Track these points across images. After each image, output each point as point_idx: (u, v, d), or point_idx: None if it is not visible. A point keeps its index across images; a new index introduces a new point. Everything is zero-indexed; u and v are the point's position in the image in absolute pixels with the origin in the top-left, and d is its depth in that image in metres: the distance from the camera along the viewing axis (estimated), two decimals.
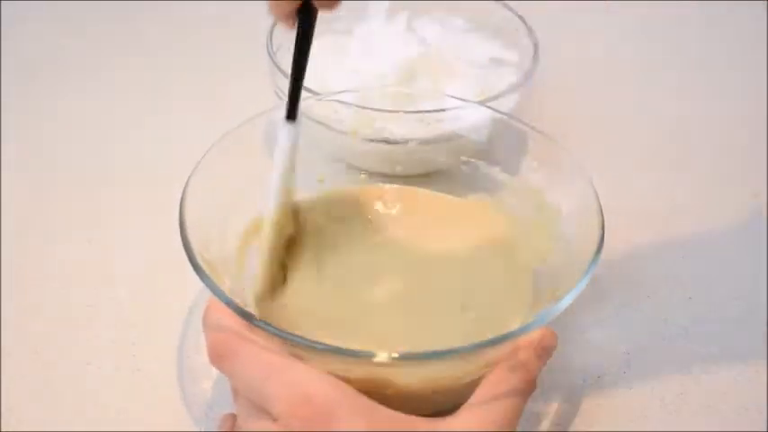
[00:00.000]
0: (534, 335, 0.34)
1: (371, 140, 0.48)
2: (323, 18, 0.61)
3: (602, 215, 0.36)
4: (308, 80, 0.52)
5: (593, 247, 0.35)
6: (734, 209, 0.54)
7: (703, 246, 0.51)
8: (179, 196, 0.36)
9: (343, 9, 0.61)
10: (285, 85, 0.51)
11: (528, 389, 0.33)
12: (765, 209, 0.53)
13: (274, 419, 0.31)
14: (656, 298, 0.47)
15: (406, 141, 0.47)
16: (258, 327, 0.31)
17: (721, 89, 0.67)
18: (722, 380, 0.43)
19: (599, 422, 0.40)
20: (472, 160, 0.46)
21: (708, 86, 0.67)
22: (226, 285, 0.34)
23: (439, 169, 0.47)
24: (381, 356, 0.30)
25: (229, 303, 0.32)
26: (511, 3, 0.59)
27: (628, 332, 0.45)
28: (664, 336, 0.45)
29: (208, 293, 0.45)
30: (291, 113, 0.38)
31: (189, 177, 0.37)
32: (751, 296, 0.47)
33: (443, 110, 0.46)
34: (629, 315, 0.46)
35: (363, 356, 0.31)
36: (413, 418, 0.31)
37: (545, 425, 0.40)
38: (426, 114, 0.47)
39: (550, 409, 0.41)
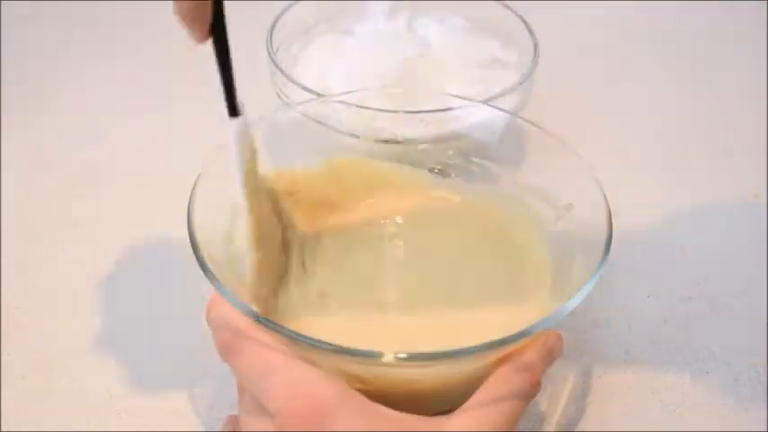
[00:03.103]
0: (540, 337, 0.34)
1: (376, 141, 0.47)
2: (323, 17, 0.61)
3: (611, 217, 0.36)
4: (309, 80, 0.52)
5: (601, 249, 0.35)
6: (734, 209, 0.54)
7: (703, 245, 0.51)
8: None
9: (343, 9, 0.61)
10: (284, 84, 0.51)
11: (531, 391, 0.33)
12: (765, 209, 0.53)
13: (272, 418, 0.31)
14: (655, 298, 0.47)
15: (407, 141, 0.47)
16: (262, 324, 0.31)
17: (721, 89, 0.67)
18: (722, 380, 0.43)
19: (599, 422, 0.40)
20: (475, 159, 0.45)
21: (708, 86, 0.67)
22: (232, 284, 0.34)
23: (442, 169, 0.47)
24: (388, 357, 0.30)
25: (235, 301, 0.32)
26: (511, 3, 0.59)
27: (628, 332, 0.45)
28: (663, 336, 0.45)
29: (208, 294, 0.45)
30: (233, 110, 0.37)
31: (196, 180, 0.37)
32: (751, 296, 0.47)
33: (444, 110, 0.46)
34: (629, 315, 0.46)
35: (368, 356, 0.31)
36: (412, 417, 0.31)
37: (545, 425, 0.40)
38: (426, 114, 0.47)
39: (551, 410, 0.41)
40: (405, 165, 0.46)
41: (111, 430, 0.39)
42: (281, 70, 0.51)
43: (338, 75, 0.55)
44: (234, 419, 0.37)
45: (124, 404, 0.40)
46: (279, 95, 0.53)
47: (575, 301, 0.33)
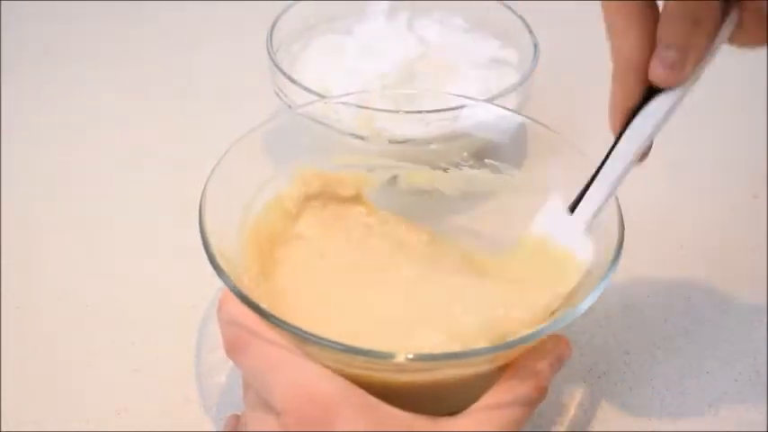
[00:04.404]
0: (550, 344, 0.34)
1: (378, 142, 0.47)
2: (323, 17, 0.61)
3: (623, 223, 0.36)
4: (309, 80, 0.52)
5: (611, 254, 0.34)
6: (734, 209, 0.54)
7: (703, 246, 0.51)
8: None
9: (343, 9, 0.61)
10: (284, 84, 0.51)
11: (538, 398, 0.33)
12: (765, 209, 0.53)
13: (277, 415, 0.31)
14: (656, 298, 0.47)
15: (408, 141, 0.47)
16: (270, 322, 0.31)
17: (721, 88, 0.67)
18: (722, 380, 0.43)
19: (599, 422, 0.40)
20: (488, 161, 0.45)
21: (708, 86, 0.67)
22: (243, 282, 0.34)
23: (446, 169, 0.47)
24: (399, 358, 0.30)
25: (245, 299, 0.32)
26: (511, 3, 0.59)
27: (628, 332, 0.45)
28: (664, 336, 0.45)
29: (208, 294, 0.45)
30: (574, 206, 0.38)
31: (207, 180, 0.37)
32: (751, 296, 0.47)
33: (446, 109, 0.46)
34: (630, 315, 0.46)
35: (378, 357, 0.31)
36: (416, 417, 0.31)
37: (545, 425, 0.40)
38: (427, 114, 0.47)
39: (550, 410, 0.41)
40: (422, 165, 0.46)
41: (111, 430, 0.39)
42: (281, 70, 0.51)
43: (338, 75, 0.55)
44: (235, 419, 0.37)
45: (124, 404, 0.40)
46: (279, 95, 0.53)
47: (582, 308, 0.33)
